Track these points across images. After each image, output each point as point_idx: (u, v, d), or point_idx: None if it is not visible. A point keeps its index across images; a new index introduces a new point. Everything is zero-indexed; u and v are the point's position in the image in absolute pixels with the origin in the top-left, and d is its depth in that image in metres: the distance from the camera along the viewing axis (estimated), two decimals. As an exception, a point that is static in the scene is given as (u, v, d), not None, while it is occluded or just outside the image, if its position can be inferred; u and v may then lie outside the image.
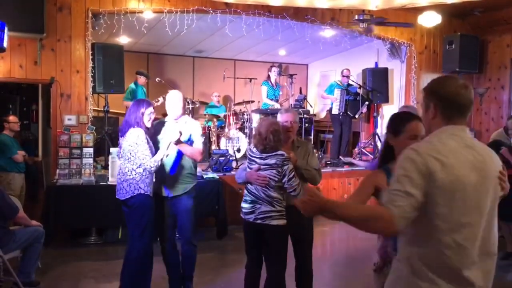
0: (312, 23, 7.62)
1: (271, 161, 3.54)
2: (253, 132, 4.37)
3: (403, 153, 1.81)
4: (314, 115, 9.69)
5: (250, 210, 3.62)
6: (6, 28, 5.31)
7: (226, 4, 6.97)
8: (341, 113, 8.63)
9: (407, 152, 1.79)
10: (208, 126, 8.55)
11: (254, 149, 3.66)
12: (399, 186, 1.72)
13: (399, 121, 2.54)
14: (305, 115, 8.53)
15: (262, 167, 3.56)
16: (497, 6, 7.75)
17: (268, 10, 7.25)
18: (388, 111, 9.28)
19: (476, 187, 1.76)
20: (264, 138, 3.54)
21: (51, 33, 6.25)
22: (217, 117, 9.02)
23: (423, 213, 1.73)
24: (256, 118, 8.44)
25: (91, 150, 6.30)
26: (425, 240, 1.77)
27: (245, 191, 3.73)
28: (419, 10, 7.57)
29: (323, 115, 10.88)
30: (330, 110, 9.11)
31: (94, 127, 6.51)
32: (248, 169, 3.67)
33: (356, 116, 8.73)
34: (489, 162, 1.84)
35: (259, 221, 3.56)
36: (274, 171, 3.51)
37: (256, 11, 7.16)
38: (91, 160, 6.28)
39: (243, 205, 3.71)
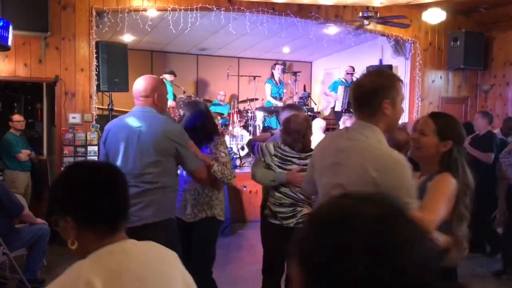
0: (316, 20, 7.59)
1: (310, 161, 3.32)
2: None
3: None
4: (318, 112, 9.68)
5: (290, 214, 3.33)
6: (11, 27, 5.33)
7: (230, 1, 6.97)
8: (343, 110, 8.62)
9: None
10: (212, 124, 8.55)
11: (287, 148, 3.39)
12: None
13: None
14: (309, 113, 8.52)
15: (303, 167, 3.28)
16: (502, 3, 7.70)
17: (272, 8, 7.24)
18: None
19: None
20: (302, 136, 3.34)
21: (56, 32, 6.26)
22: (221, 115, 9.02)
23: None
24: (260, 116, 8.44)
25: (95, 148, 6.32)
26: None
27: (277, 194, 3.38)
28: (423, 6, 7.53)
29: (327, 112, 10.86)
30: (333, 107, 9.11)
31: (99, 125, 6.53)
32: (280, 170, 3.38)
33: None
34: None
35: (301, 225, 3.23)
36: None
37: (259, 8, 7.15)
38: (95, 158, 6.29)
39: (279, 209, 3.35)
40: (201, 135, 3.31)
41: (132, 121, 2.91)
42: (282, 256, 3.36)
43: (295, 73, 9.50)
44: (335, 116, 8.97)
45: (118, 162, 2.84)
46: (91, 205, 1.31)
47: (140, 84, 2.93)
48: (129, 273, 1.28)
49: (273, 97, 8.86)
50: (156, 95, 2.91)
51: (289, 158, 3.38)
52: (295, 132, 3.35)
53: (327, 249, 0.70)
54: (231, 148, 7.80)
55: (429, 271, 0.71)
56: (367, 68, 9.17)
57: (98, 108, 6.91)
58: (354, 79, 8.81)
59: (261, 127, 8.47)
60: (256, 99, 9.22)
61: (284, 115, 3.77)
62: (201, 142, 3.28)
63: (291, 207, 3.34)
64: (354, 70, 8.94)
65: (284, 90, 9.31)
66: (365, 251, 0.68)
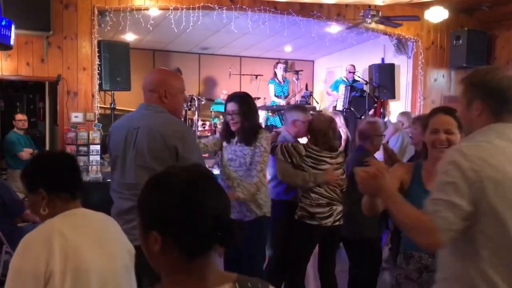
0: (318, 19, 7.58)
1: (340, 159, 3.41)
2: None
3: (446, 154, 1.61)
4: (321, 111, 9.66)
5: (328, 213, 3.35)
6: (13, 26, 5.33)
7: (232, 0, 6.96)
8: (345, 109, 8.60)
9: (451, 154, 1.59)
10: (214, 123, 8.56)
11: (315, 147, 3.40)
12: (442, 194, 1.53)
13: (428, 115, 2.38)
14: (311, 112, 8.50)
15: (335, 166, 3.36)
16: (504, 1, 7.67)
17: (274, 6, 7.23)
18: (395, 107, 9.24)
19: None
20: (324, 135, 3.38)
21: (58, 31, 6.26)
22: (223, 114, 9.01)
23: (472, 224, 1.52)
24: (262, 115, 8.43)
25: (98, 147, 6.32)
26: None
27: (313, 195, 3.37)
28: (425, 5, 7.51)
29: (329, 111, 10.85)
30: (335, 106, 9.11)
31: (101, 125, 6.53)
32: (314, 171, 3.37)
33: (362, 117, 8.66)
34: None
35: (337, 223, 3.36)
36: (341, 169, 3.42)
37: (261, 7, 7.14)
38: (98, 157, 6.31)
39: (317, 210, 3.35)
40: (244, 130, 3.14)
41: (132, 121, 2.54)
42: (309, 256, 3.42)
43: (297, 72, 9.49)
44: (337, 115, 8.96)
45: (117, 170, 2.52)
46: (57, 176, 1.75)
47: (148, 76, 2.61)
48: (89, 226, 1.74)
49: (276, 96, 8.85)
50: (163, 90, 2.48)
51: (322, 158, 3.37)
52: (316, 130, 3.39)
53: (153, 198, 1.10)
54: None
55: (219, 213, 1.07)
56: (369, 66, 9.17)
57: (100, 107, 6.92)
58: (356, 77, 8.81)
59: (263, 126, 8.46)
60: (258, 98, 9.20)
61: (291, 115, 3.76)
62: (246, 140, 3.14)
63: (328, 206, 3.35)
64: (355, 69, 8.93)
65: (288, 88, 9.31)
66: (172, 198, 1.06)
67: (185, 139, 2.43)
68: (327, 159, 3.38)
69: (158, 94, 2.48)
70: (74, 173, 1.81)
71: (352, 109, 8.55)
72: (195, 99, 8.48)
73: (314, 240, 3.42)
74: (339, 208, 3.38)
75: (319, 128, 3.37)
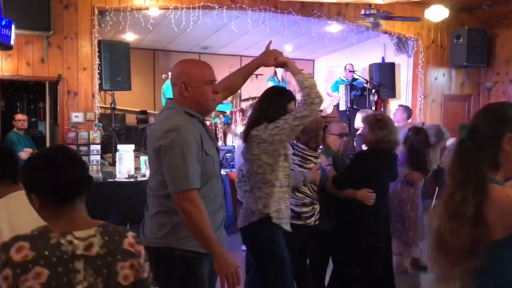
0: (318, 18, 7.59)
1: (319, 159, 3.39)
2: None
3: None
4: (321, 110, 9.65)
5: (311, 212, 3.29)
6: (13, 26, 5.33)
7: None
8: (347, 109, 8.60)
9: None
10: (215, 123, 8.55)
11: (303, 146, 3.35)
12: None
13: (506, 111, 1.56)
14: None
15: (318, 166, 3.34)
16: (504, 0, 7.68)
17: (274, 6, 7.23)
18: (395, 106, 9.22)
19: None
20: (316, 135, 3.35)
21: (58, 31, 6.27)
22: (223, 113, 9.01)
23: None
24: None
25: (98, 147, 6.33)
26: None
27: (299, 194, 3.28)
28: (426, 4, 7.52)
29: (329, 110, 10.84)
30: (337, 106, 9.10)
31: (101, 124, 6.54)
32: (300, 169, 3.30)
33: (373, 108, 8.61)
34: None
35: (317, 223, 3.31)
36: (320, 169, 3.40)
37: (262, 6, 7.14)
38: (98, 157, 6.31)
39: (303, 209, 3.27)
40: None
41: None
42: (295, 256, 3.26)
43: (297, 71, 9.48)
44: (340, 114, 8.97)
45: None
46: (1, 167, 2.15)
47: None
48: (24, 208, 1.92)
49: (275, 95, 8.84)
50: (182, 83, 2.11)
51: (308, 157, 3.34)
52: (310, 130, 3.31)
53: (27, 171, 1.53)
54: (234, 146, 7.79)
55: (72, 177, 1.48)
56: (370, 65, 9.17)
57: (100, 107, 6.92)
58: (356, 76, 8.82)
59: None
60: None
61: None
62: None
63: (311, 205, 3.30)
64: (353, 68, 8.94)
65: (286, 87, 9.30)
66: (37, 170, 1.51)
67: (166, 142, 2.02)
68: (312, 158, 3.35)
69: (178, 88, 2.14)
70: (14, 161, 2.18)
71: (355, 107, 8.54)
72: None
73: (299, 240, 3.28)
74: (318, 207, 3.34)
75: (312, 128, 3.31)
